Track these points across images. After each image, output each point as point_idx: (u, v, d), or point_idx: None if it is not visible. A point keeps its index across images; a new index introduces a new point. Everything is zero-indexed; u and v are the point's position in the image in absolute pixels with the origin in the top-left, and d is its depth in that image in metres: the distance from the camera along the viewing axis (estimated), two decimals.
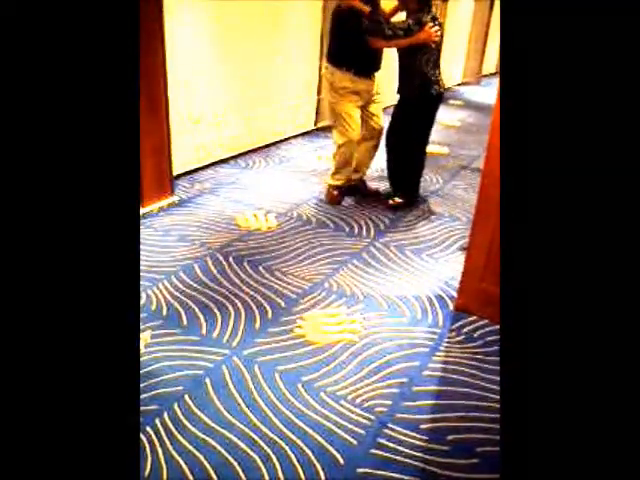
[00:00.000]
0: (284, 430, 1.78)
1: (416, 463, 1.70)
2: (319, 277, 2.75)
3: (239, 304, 2.47)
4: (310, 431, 1.79)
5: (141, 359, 2.07)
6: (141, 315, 2.34)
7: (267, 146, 4.93)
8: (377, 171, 4.27)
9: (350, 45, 3.29)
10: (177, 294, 2.53)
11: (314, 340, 2.25)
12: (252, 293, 2.57)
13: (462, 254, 2.91)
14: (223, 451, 1.69)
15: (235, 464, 1.65)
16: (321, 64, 4.78)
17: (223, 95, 4.24)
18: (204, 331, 2.27)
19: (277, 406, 1.88)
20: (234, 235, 3.17)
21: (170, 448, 1.69)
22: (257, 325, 2.33)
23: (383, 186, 4.00)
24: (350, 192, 3.87)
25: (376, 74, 3.52)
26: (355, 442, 1.76)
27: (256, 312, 2.42)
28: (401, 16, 3.39)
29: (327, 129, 5.18)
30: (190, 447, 1.70)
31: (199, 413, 1.83)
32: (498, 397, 1.99)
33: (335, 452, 1.72)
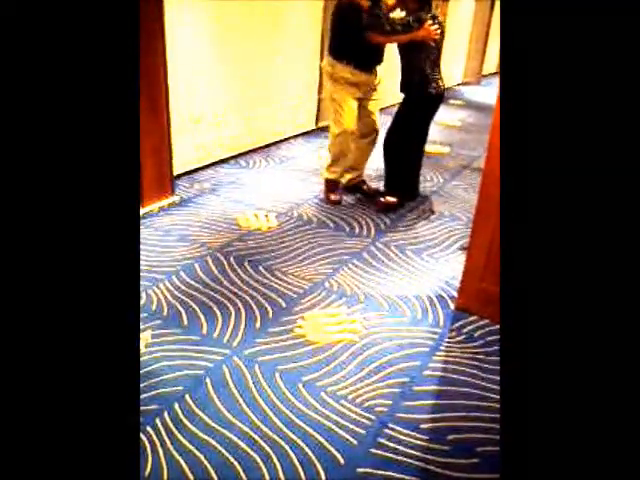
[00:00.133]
0: (284, 430, 1.78)
1: (416, 463, 1.70)
2: (319, 277, 2.75)
3: (239, 304, 2.48)
4: (310, 431, 1.79)
5: (141, 359, 2.07)
6: (141, 315, 2.35)
7: (267, 146, 4.93)
8: (377, 171, 4.27)
9: (350, 39, 3.30)
10: (177, 294, 2.53)
11: (314, 340, 2.25)
12: (252, 293, 2.57)
13: (462, 254, 2.91)
14: (223, 451, 1.69)
15: (235, 464, 1.65)
16: (322, 63, 4.77)
17: (223, 95, 4.25)
18: (204, 331, 2.27)
19: (277, 406, 1.88)
20: (234, 235, 3.17)
21: (170, 448, 1.70)
22: (257, 325, 2.33)
23: (383, 186, 3.99)
24: (350, 192, 3.88)
25: (378, 68, 3.52)
26: (355, 442, 1.76)
27: (256, 312, 2.43)
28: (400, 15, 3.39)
29: (327, 129, 5.17)
30: (190, 447, 1.70)
31: (199, 413, 1.83)
32: (498, 397, 1.99)
33: (335, 452, 1.72)
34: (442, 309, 2.54)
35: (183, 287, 2.59)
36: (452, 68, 8.65)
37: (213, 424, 1.79)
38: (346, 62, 3.35)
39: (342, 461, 1.69)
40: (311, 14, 5.05)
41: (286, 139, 5.19)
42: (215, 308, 2.43)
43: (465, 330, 2.39)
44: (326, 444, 1.74)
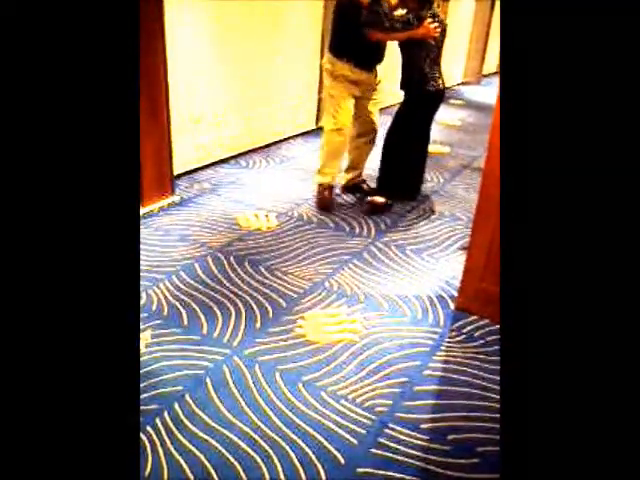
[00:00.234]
0: (284, 430, 1.78)
1: (416, 463, 1.70)
2: (320, 277, 2.75)
3: (240, 304, 2.48)
4: (310, 431, 1.79)
5: (141, 359, 2.07)
6: (141, 315, 2.35)
7: (267, 146, 4.93)
8: (376, 171, 4.26)
9: (351, 37, 3.28)
10: (178, 294, 2.53)
11: (315, 340, 2.25)
12: (253, 293, 2.57)
13: (463, 254, 2.91)
14: (223, 450, 1.69)
15: (235, 464, 1.65)
16: (322, 62, 4.78)
17: (223, 95, 4.25)
18: (205, 331, 2.27)
19: (277, 406, 1.88)
20: (235, 235, 3.17)
21: (170, 448, 1.70)
22: (258, 325, 2.33)
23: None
24: (350, 192, 3.88)
25: (378, 68, 3.51)
26: (356, 442, 1.76)
27: (257, 312, 2.43)
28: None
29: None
30: (190, 447, 1.70)
31: (199, 413, 1.83)
32: (498, 397, 1.99)
33: (335, 452, 1.72)
34: (442, 309, 2.54)
35: (183, 287, 2.59)
36: (452, 68, 8.65)
37: (213, 424, 1.79)
38: (346, 60, 3.33)
39: (342, 461, 1.69)
40: (311, 14, 5.05)
41: (286, 139, 5.19)
42: (215, 308, 2.43)
43: (465, 330, 2.39)
44: (326, 444, 1.74)
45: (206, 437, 1.74)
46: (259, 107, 4.70)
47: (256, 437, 1.75)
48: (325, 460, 1.68)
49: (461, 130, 6.13)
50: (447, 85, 3.91)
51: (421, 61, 3.25)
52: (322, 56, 5.01)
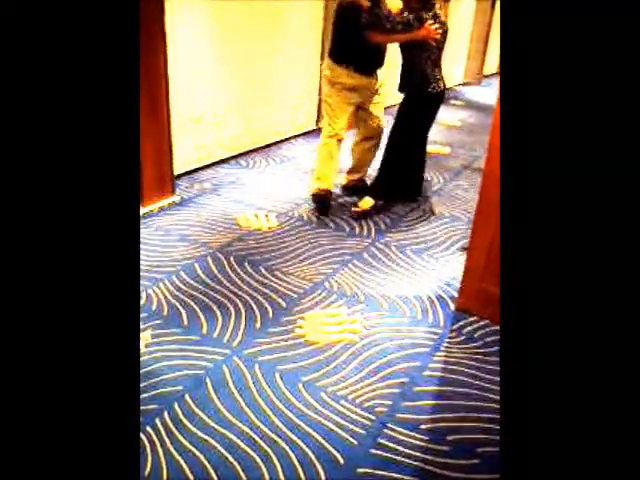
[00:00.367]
0: (284, 430, 1.78)
1: (416, 463, 1.70)
2: (320, 277, 2.75)
3: (240, 304, 2.48)
4: (310, 431, 1.79)
5: (141, 359, 2.07)
6: (141, 315, 2.35)
7: (268, 146, 4.93)
8: (376, 171, 4.26)
9: (351, 40, 3.26)
10: (178, 294, 2.53)
11: (314, 340, 2.25)
12: (253, 293, 2.57)
13: (463, 254, 2.91)
14: (223, 450, 1.69)
15: (235, 464, 1.65)
16: (322, 64, 4.78)
17: (223, 95, 4.25)
18: (204, 331, 2.27)
19: (277, 406, 1.88)
20: (235, 235, 3.17)
21: (170, 448, 1.70)
22: (257, 325, 2.33)
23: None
24: (351, 192, 3.87)
25: (379, 71, 3.49)
26: (355, 442, 1.76)
27: (257, 312, 2.43)
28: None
29: None
30: (190, 447, 1.70)
31: (199, 413, 1.83)
32: (498, 397, 1.99)
33: (335, 452, 1.72)
34: (442, 309, 2.54)
35: (183, 287, 2.59)
36: (453, 68, 8.65)
37: (213, 424, 1.79)
38: (345, 65, 3.30)
39: (342, 461, 1.69)
40: (311, 14, 5.05)
41: (286, 139, 5.19)
42: (215, 308, 2.43)
43: (465, 330, 2.39)
44: (326, 444, 1.74)
45: (206, 437, 1.74)
46: (259, 107, 4.70)
47: (256, 437, 1.75)
48: (325, 460, 1.68)
49: (461, 131, 6.13)
50: (448, 86, 3.90)
51: (422, 62, 3.24)
52: (322, 56, 5.02)
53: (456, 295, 2.60)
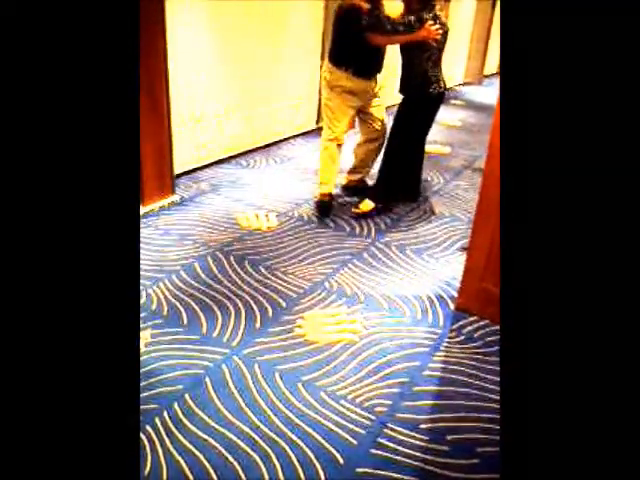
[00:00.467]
0: (284, 430, 1.78)
1: (416, 463, 1.70)
2: (319, 277, 2.75)
3: (239, 303, 2.48)
4: (310, 431, 1.79)
5: (141, 358, 2.07)
6: (141, 314, 2.35)
7: (268, 146, 4.93)
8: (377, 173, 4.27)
9: (350, 43, 3.25)
10: (177, 293, 2.53)
11: (314, 340, 2.25)
12: (252, 292, 2.57)
13: (463, 254, 2.91)
14: (223, 450, 1.69)
15: (235, 463, 1.65)
16: (322, 64, 4.78)
17: (224, 95, 4.25)
18: (204, 330, 2.27)
19: (277, 406, 1.88)
20: (235, 234, 3.17)
21: (170, 447, 1.70)
22: (257, 324, 2.34)
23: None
24: (351, 192, 3.87)
25: (378, 75, 3.49)
26: (355, 442, 1.76)
27: (256, 311, 2.43)
28: None
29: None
30: (190, 446, 1.70)
31: (199, 412, 1.83)
32: (498, 397, 1.99)
33: (335, 452, 1.72)
34: (442, 309, 2.54)
35: (183, 286, 2.59)
36: (453, 68, 8.65)
37: (213, 424, 1.79)
38: (345, 68, 3.28)
39: (342, 461, 1.69)
40: (312, 14, 5.05)
41: (286, 139, 5.19)
42: (215, 307, 2.43)
43: (465, 330, 2.39)
44: (326, 444, 1.74)
45: (205, 437, 1.74)
46: (259, 107, 4.70)
47: (255, 437, 1.75)
48: (324, 460, 1.68)
49: (462, 130, 6.13)
50: (448, 86, 3.90)
51: (423, 63, 3.24)
52: (322, 56, 5.02)
53: (456, 295, 2.60)
